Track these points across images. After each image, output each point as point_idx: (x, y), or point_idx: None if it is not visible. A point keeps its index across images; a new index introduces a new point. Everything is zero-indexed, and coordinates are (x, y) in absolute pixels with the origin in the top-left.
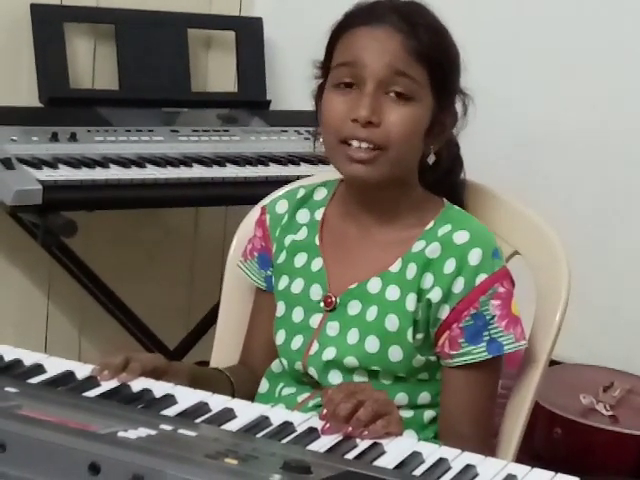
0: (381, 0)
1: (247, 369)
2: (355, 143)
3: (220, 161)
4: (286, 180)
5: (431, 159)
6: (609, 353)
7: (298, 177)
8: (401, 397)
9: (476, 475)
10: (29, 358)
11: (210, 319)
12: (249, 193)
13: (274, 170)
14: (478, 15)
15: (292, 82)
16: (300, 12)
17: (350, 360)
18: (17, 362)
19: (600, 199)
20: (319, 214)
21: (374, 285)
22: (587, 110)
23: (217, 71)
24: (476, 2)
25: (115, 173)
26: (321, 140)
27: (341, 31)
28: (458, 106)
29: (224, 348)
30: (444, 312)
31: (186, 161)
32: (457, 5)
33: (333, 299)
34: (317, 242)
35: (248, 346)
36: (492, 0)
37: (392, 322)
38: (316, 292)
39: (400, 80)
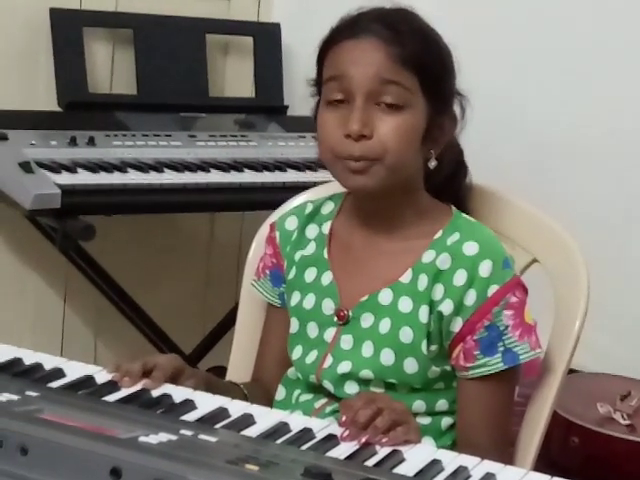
0: (365, 11)
1: (260, 386)
2: (352, 164)
3: (237, 166)
4: (304, 186)
5: (432, 164)
6: (626, 362)
7: (315, 183)
8: (418, 405)
9: None
10: (49, 362)
11: (226, 324)
12: (266, 199)
13: (291, 176)
14: (493, 19)
15: (309, 88)
16: (318, 17)
17: (366, 373)
18: (37, 366)
19: (617, 205)
20: (326, 228)
21: (385, 296)
22: (604, 114)
23: (235, 76)
24: (491, 6)
25: (133, 178)
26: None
27: (328, 46)
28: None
29: (241, 360)
30: (457, 325)
31: (203, 166)
32: (472, 9)
33: (346, 312)
34: (326, 256)
35: (261, 363)
36: (507, 3)
37: (406, 334)
38: (328, 306)
39: (389, 89)
